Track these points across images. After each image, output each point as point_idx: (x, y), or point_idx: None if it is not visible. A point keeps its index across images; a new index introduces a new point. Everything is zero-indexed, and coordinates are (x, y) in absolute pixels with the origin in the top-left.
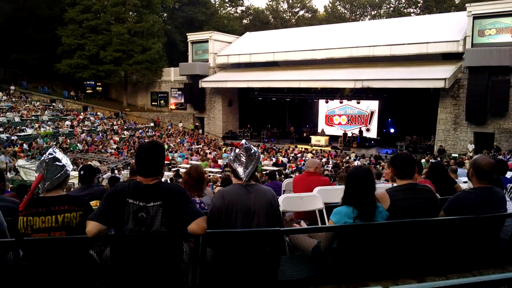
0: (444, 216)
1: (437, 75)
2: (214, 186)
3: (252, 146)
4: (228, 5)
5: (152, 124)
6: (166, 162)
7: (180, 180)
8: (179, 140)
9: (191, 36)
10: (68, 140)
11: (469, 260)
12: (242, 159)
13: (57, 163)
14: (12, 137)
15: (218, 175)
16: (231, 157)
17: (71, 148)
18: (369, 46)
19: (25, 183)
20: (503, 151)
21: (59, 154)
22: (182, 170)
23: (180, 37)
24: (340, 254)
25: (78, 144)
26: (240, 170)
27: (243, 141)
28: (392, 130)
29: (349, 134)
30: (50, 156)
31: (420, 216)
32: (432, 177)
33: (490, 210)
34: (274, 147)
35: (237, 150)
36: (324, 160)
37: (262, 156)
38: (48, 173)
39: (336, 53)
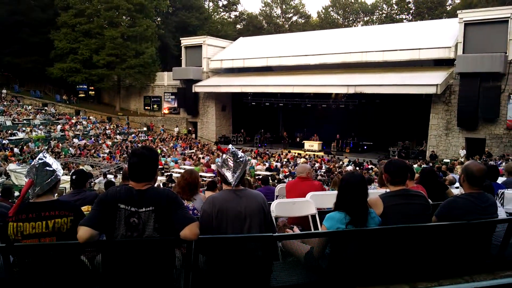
0: (436, 221)
1: (429, 81)
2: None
3: (239, 151)
4: (222, 10)
5: (145, 129)
6: (159, 167)
7: (173, 185)
8: (172, 144)
9: (185, 41)
10: (60, 144)
11: (461, 266)
12: (229, 163)
13: (47, 168)
14: (3, 141)
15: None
16: (219, 163)
17: (63, 153)
18: (361, 52)
19: (10, 185)
20: (494, 156)
21: (49, 159)
22: (174, 175)
23: (174, 42)
24: (332, 260)
25: (70, 149)
26: (228, 175)
27: (230, 146)
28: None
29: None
30: (40, 161)
31: (413, 221)
32: (424, 182)
33: (481, 216)
34: (267, 152)
35: (224, 155)
36: (317, 165)
37: (255, 161)
38: (38, 178)
39: (329, 58)
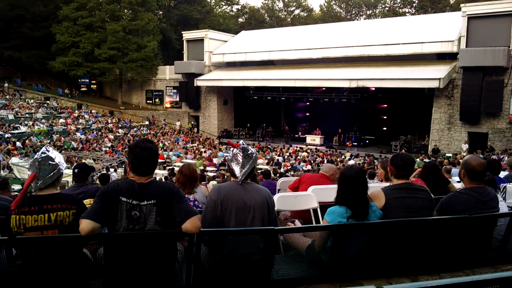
0: (437, 216)
1: (431, 75)
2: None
3: (249, 147)
4: (223, 3)
5: (147, 123)
6: (161, 160)
7: (174, 178)
8: (173, 138)
9: (187, 35)
10: (62, 138)
11: (462, 259)
12: (239, 158)
13: (50, 162)
14: (6, 135)
15: (213, 174)
16: (229, 157)
17: (65, 146)
18: (364, 46)
19: (7, 178)
20: (496, 151)
21: (52, 153)
22: (176, 169)
23: (176, 35)
24: (334, 253)
25: (73, 142)
26: (236, 169)
27: (241, 142)
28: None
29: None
30: (43, 155)
31: (415, 215)
32: (426, 177)
33: (482, 210)
34: (269, 146)
35: (235, 150)
36: (318, 159)
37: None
38: (40, 172)
39: (332, 52)
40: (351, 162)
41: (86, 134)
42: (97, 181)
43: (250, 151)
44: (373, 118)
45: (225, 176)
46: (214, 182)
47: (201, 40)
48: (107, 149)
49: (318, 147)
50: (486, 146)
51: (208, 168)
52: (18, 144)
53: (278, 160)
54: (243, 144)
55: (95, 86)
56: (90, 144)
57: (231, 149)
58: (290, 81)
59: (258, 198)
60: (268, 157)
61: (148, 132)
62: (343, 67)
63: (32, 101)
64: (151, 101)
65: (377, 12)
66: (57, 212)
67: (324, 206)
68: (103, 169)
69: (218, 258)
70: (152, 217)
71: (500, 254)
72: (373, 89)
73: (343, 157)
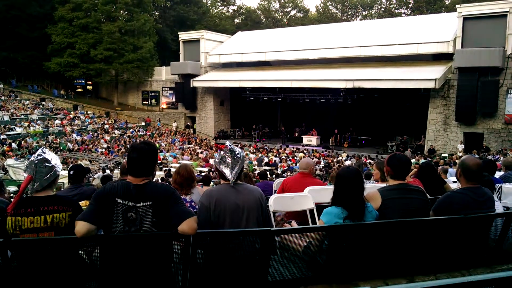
0: (433, 216)
1: (427, 76)
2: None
3: (236, 148)
4: (220, 4)
5: (143, 124)
6: (157, 162)
7: (171, 179)
8: (170, 139)
9: (183, 35)
10: (58, 139)
11: (458, 260)
12: (227, 160)
13: (46, 164)
14: (1, 136)
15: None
16: (216, 160)
17: (61, 148)
18: (360, 47)
19: (1, 180)
20: (492, 151)
21: (48, 155)
22: (173, 170)
23: (172, 36)
24: (330, 254)
25: (68, 143)
26: (227, 171)
27: (227, 143)
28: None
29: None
30: (39, 157)
31: (411, 216)
32: (422, 177)
33: (478, 210)
34: (265, 147)
35: (222, 152)
36: (315, 160)
37: (253, 155)
38: (37, 174)
39: (328, 53)
40: (348, 162)
41: (82, 135)
42: (93, 183)
43: (237, 152)
44: (369, 119)
45: None
46: (212, 183)
47: (197, 41)
48: (103, 150)
49: (314, 148)
50: (481, 146)
51: (205, 169)
52: (14, 145)
53: (275, 161)
54: (230, 145)
55: (91, 87)
56: (86, 145)
57: (218, 151)
58: (287, 82)
59: (251, 199)
60: (266, 159)
61: (144, 133)
62: (339, 68)
63: (27, 102)
64: (147, 102)
65: (373, 12)
66: (54, 214)
67: (320, 207)
68: (99, 170)
69: (215, 259)
70: (148, 218)
71: (496, 254)
72: (369, 89)
73: (339, 157)
